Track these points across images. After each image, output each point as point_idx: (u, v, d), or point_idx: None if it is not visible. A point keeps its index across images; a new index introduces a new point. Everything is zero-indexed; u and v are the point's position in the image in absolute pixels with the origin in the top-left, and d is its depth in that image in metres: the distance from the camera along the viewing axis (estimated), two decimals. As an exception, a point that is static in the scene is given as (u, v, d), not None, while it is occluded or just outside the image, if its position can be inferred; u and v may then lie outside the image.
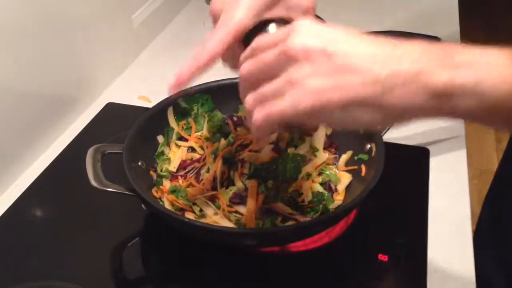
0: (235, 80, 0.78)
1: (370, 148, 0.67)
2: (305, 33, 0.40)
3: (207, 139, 0.72)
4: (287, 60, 0.41)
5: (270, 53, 0.42)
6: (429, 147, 0.78)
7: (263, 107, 0.42)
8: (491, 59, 0.36)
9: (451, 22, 1.11)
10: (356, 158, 0.69)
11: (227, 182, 0.65)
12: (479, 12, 2.89)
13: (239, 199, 0.62)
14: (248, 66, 0.44)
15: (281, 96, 0.41)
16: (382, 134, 0.69)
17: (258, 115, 0.42)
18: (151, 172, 0.68)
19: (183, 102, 0.74)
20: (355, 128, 0.48)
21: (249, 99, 0.44)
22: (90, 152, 0.63)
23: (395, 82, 0.38)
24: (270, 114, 0.42)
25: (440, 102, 0.37)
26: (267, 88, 0.42)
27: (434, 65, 0.37)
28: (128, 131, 0.66)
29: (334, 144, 0.73)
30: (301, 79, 0.40)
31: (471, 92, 0.36)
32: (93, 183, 0.59)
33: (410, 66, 0.37)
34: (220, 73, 0.94)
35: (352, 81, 0.39)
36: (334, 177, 0.67)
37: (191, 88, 0.76)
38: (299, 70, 0.40)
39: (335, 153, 0.72)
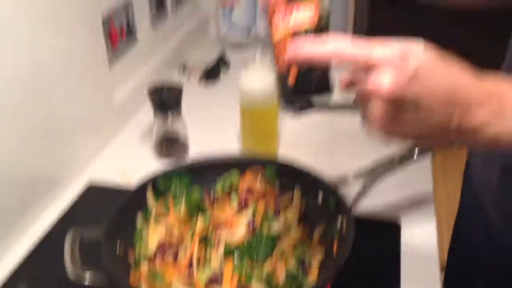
0: (211, 158, 0.81)
1: (342, 222, 0.69)
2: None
3: (184, 217, 0.74)
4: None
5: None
6: (400, 217, 0.81)
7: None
8: None
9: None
10: (328, 232, 0.71)
11: (204, 261, 0.67)
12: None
13: (215, 278, 0.64)
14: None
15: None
16: (353, 207, 0.72)
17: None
18: (130, 251, 0.70)
19: (161, 181, 0.77)
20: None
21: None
22: (68, 237, 0.64)
23: (458, 132, 0.50)
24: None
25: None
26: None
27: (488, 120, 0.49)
28: (107, 214, 0.68)
29: (308, 218, 0.75)
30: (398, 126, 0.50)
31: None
32: (72, 276, 0.61)
33: (470, 121, 0.49)
34: (199, 147, 0.98)
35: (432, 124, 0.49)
36: (308, 252, 0.69)
37: (170, 166, 0.79)
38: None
39: (308, 227, 0.74)
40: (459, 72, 0.50)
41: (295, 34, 0.58)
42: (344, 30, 2.40)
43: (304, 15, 0.58)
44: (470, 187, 0.89)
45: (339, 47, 0.50)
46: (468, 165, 0.91)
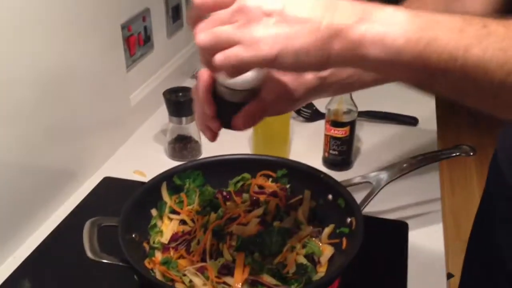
0: (225, 157, 0.84)
1: (351, 221, 0.71)
2: None
3: (198, 212, 0.76)
4: (244, 15, 0.47)
5: (225, 13, 0.48)
6: (407, 221, 0.82)
7: (224, 53, 0.48)
8: (398, 17, 0.45)
9: (428, 105, 1.19)
10: (338, 231, 0.73)
11: (216, 254, 0.69)
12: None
13: (227, 270, 0.66)
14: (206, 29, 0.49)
15: (241, 45, 0.47)
16: (362, 208, 0.74)
17: (219, 56, 0.48)
18: (144, 244, 0.72)
19: (176, 178, 0.79)
20: (303, 71, 0.56)
21: (208, 39, 0.48)
22: (87, 225, 0.67)
23: (329, 33, 0.46)
24: (230, 57, 0.47)
25: (355, 51, 0.46)
26: (227, 34, 0.48)
27: (355, 20, 0.46)
28: (124, 205, 0.70)
29: (318, 217, 0.77)
30: (258, 30, 0.46)
31: (378, 43, 0.45)
32: (89, 254, 0.63)
33: (338, 20, 0.46)
34: (211, 149, 1.01)
35: (301, 30, 0.46)
36: (317, 249, 0.71)
37: (184, 164, 0.81)
38: (257, 23, 0.46)
39: (318, 227, 0.76)
40: None
41: None
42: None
43: None
44: (497, 177, 0.84)
45: None
46: (495, 156, 0.86)
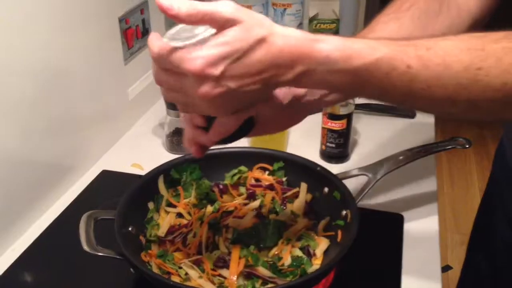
0: (221, 150, 0.84)
1: (346, 214, 0.71)
2: None
3: (194, 205, 0.77)
4: None
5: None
6: (404, 214, 0.83)
7: None
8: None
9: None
10: (333, 223, 0.73)
11: (212, 246, 0.70)
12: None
13: (223, 263, 0.66)
14: None
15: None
16: (358, 200, 0.75)
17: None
18: (141, 237, 0.72)
19: (173, 171, 0.79)
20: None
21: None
22: (83, 218, 0.67)
23: None
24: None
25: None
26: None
27: None
28: (120, 198, 0.71)
29: (313, 210, 0.78)
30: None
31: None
32: (85, 247, 0.64)
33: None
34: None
35: None
36: (313, 242, 0.71)
37: (181, 157, 0.82)
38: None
39: (314, 219, 0.77)
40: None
41: None
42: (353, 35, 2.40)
43: None
44: (503, 163, 0.85)
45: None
46: (501, 142, 0.87)
